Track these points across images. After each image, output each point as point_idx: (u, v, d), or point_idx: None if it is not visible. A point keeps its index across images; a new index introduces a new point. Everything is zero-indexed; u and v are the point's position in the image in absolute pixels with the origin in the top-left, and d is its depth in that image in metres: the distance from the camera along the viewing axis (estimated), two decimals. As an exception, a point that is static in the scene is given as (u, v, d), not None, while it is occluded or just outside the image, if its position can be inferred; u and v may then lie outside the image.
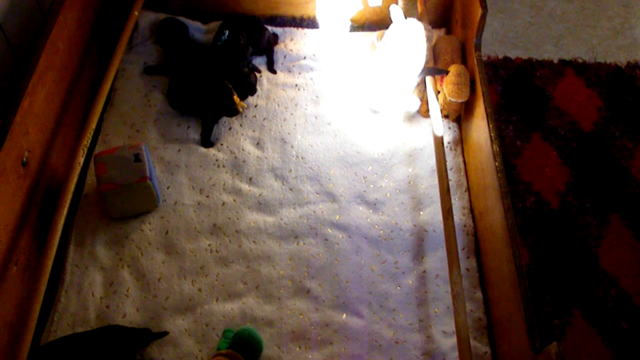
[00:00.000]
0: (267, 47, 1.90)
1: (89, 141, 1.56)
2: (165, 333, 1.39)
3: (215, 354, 1.33)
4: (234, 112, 1.76)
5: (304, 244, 1.55)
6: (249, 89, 1.79)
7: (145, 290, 1.46)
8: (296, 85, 1.86)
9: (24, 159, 1.40)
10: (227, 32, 1.80)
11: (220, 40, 1.81)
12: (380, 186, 1.66)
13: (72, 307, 1.43)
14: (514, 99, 1.99)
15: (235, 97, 1.73)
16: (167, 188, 1.63)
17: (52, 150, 1.55)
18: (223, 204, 1.61)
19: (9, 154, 1.32)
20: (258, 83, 1.84)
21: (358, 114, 1.80)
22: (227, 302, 1.45)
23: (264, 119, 1.78)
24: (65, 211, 1.43)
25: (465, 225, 1.59)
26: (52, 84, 1.54)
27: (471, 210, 1.62)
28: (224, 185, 1.64)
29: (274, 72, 1.89)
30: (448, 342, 1.41)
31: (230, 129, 1.76)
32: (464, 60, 1.77)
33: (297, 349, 1.39)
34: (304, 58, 1.92)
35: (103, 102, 1.66)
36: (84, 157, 1.54)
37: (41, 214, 1.47)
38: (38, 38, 1.53)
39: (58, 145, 1.58)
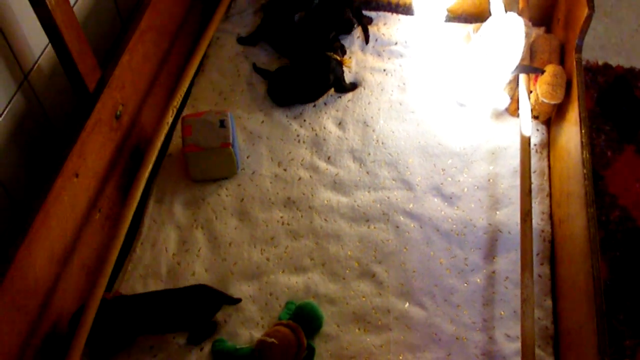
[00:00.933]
0: (360, 17, 1.91)
1: (179, 103, 1.61)
2: (239, 300, 1.40)
3: (276, 323, 1.35)
4: (343, 88, 1.80)
5: (374, 228, 1.54)
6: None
7: (216, 252, 1.50)
8: (384, 70, 1.85)
9: (118, 112, 1.46)
10: None
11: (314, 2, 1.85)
12: (459, 180, 1.63)
13: (146, 259, 1.48)
14: (610, 108, 1.90)
15: (340, 58, 1.76)
16: (247, 157, 1.66)
17: (143, 108, 1.60)
18: (299, 178, 1.62)
19: (105, 104, 1.38)
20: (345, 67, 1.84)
21: (444, 105, 1.77)
22: (293, 275, 1.47)
23: (349, 100, 1.78)
24: (150, 167, 1.48)
25: (542, 231, 1.53)
26: (151, 43, 1.60)
27: (550, 216, 1.57)
28: (302, 160, 1.66)
29: (367, 40, 1.90)
30: (511, 347, 1.37)
31: (314, 106, 1.77)
32: (561, 62, 1.70)
33: (357, 330, 1.40)
34: (395, 44, 1.90)
35: (195, 67, 1.71)
36: (172, 117, 1.59)
37: (127, 167, 1.53)
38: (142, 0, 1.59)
39: (149, 104, 1.63)
